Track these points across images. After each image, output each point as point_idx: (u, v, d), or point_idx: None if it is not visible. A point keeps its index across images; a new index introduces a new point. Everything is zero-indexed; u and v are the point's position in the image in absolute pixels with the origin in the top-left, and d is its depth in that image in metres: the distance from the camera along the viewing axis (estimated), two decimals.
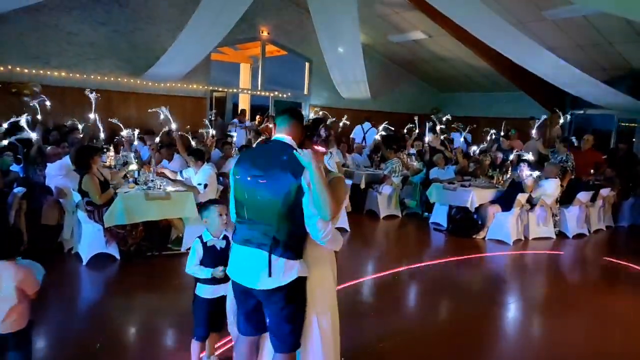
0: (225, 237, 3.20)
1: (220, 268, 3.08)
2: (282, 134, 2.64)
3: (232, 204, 2.74)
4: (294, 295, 2.58)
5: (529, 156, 8.65)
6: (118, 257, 5.52)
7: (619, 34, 9.26)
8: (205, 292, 3.17)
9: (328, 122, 10.70)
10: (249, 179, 2.57)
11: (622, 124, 12.22)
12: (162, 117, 8.60)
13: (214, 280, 3.12)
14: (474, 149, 9.99)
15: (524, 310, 4.98)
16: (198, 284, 3.20)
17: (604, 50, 10.04)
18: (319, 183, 2.41)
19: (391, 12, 11.19)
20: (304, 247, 2.64)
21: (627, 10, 6.55)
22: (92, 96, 6.83)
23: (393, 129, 10.85)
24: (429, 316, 4.67)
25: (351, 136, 11.92)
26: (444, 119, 11.91)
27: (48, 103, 7.41)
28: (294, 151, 2.51)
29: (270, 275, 2.50)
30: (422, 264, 6.62)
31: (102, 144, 8.30)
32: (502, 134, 10.92)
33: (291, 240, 2.54)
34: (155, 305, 4.59)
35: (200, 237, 3.19)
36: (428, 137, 9.73)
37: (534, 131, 8.97)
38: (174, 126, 7.67)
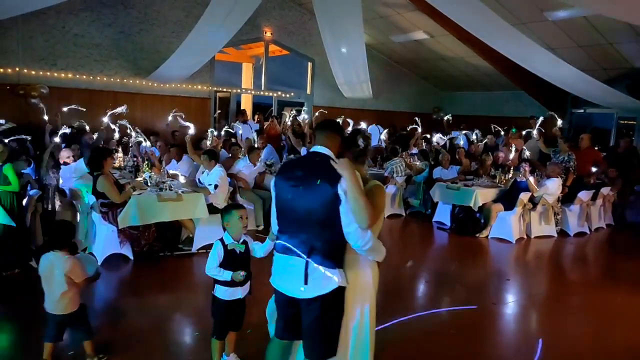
0: (245, 242, 3.31)
1: (242, 272, 3.20)
2: (320, 145, 2.70)
3: (273, 214, 2.81)
4: (332, 305, 2.60)
5: (528, 153, 8.80)
6: (131, 257, 5.65)
7: (619, 34, 9.37)
8: (224, 294, 3.27)
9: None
10: (288, 188, 2.63)
11: (622, 122, 12.33)
12: (170, 119, 8.80)
13: (232, 283, 3.22)
14: (474, 138, 10.19)
15: (527, 307, 5.12)
16: (217, 285, 3.29)
17: (604, 50, 10.15)
18: (355, 190, 2.45)
19: (393, 12, 11.29)
20: (344, 256, 2.66)
21: (618, 12, 6.68)
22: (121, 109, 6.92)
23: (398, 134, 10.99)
24: (432, 307, 4.81)
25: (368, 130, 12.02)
26: (445, 118, 12.06)
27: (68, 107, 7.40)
28: (331, 160, 2.58)
29: (307, 283, 2.55)
30: (427, 262, 6.79)
31: (114, 147, 8.44)
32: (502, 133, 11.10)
33: (330, 248, 2.57)
34: (168, 304, 4.71)
35: (221, 239, 3.27)
36: (435, 138, 9.85)
37: (534, 131, 9.09)
38: (191, 131, 7.75)
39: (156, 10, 10.58)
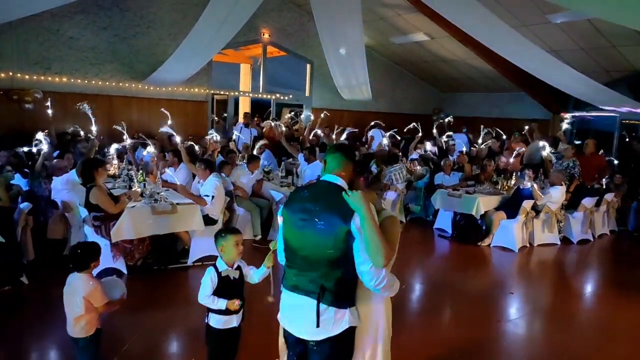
0: (239, 267, 3.15)
1: (237, 302, 3.05)
2: (332, 174, 2.50)
3: (280, 245, 2.65)
4: (342, 345, 2.47)
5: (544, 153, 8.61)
6: (125, 271, 5.50)
7: (622, 37, 9.21)
8: (218, 322, 3.10)
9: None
10: (297, 221, 2.46)
11: (625, 121, 12.16)
12: (164, 128, 8.66)
13: (226, 311, 3.07)
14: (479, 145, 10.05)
15: (533, 325, 4.98)
16: (210, 314, 3.12)
17: (607, 52, 10.00)
18: (370, 228, 2.27)
19: (393, 14, 11.13)
20: (356, 292, 2.49)
21: (616, 16, 6.53)
22: (86, 108, 6.69)
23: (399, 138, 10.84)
24: (433, 326, 4.67)
25: (370, 134, 11.86)
26: (446, 120, 11.88)
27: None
28: (343, 193, 2.38)
29: (318, 325, 2.39)
30: (427, 273, 6.64)
31: (108, 155, 8.27)
32: (504, 136, 10.94)
33: (341, 288, 2.40)
34: (163, 320, 4.57)
35: (214, 266, 3.12)
36: (428, 146, 9.66)
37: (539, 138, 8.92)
38: (177, 139, 7.64)
39: (152, 12, 10.41)
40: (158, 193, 5.96)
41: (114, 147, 7.49)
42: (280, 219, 2.64)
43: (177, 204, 5.76)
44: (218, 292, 3.06)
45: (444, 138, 10.88)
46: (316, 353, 2.46)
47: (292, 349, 2.61)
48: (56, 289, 5.00)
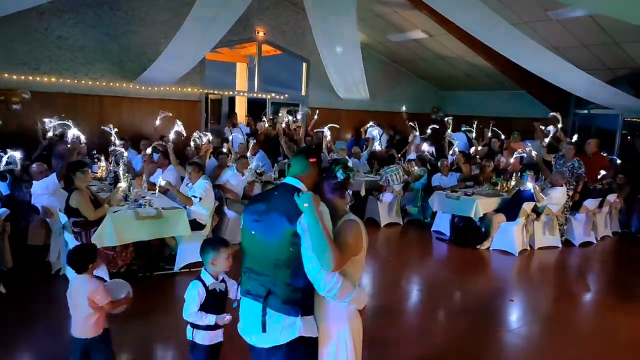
0: (223, 280, 3.01)
1: (228, 317, 2.90)
2: (293, 177, 2.43)
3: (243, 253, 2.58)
4: (296, 357, 2.31)
5: (534, 154, 8.38)
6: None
7: (626, 33, 8.97)
8: (204, 338, 2.92)
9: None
10: (250, 223, 2.42)
11: (628, 119, 11.90)
12: (158, 122, 8.40)
13: (215, 326, 2.91)
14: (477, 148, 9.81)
15: (534, 334, 4.75)
16: (195, 330, 2.93)
17: (610, 49, 9.75)
18: (315, 228, 2.16)
19: (390, 11, 10.87)
20: (313, 303, 2.34)
21: (619, 12, 6.31)
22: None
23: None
24: (429, 334, 4.44)
25: (368, 135, 11.63)
26: (445, 119, 11.63)
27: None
28: (295, 194, 2.28)
29: (265, 331, 2.29)
30: (424, 277, 6.42)
31: (95, 156, 8.06)
32: (503, 137, 10.68)
33: (290, 293, 2.27)
34: (148, 330, 4.38)
35: (199, 279, 2.94)
36: (424, 146, 9.40)
37: (546, 139, 8.67)
38: (172, 135, 7.42)
39: (143, 10, 10.15)
40: (143, 197, 5.73)
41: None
42: None
43: (163, 208, 5.53)
44: (205, 307, 2.89)
45: (449, 133, 10.58)
46: None
47: (255, 358, 2.49)
48: (36, 299, 4.83)
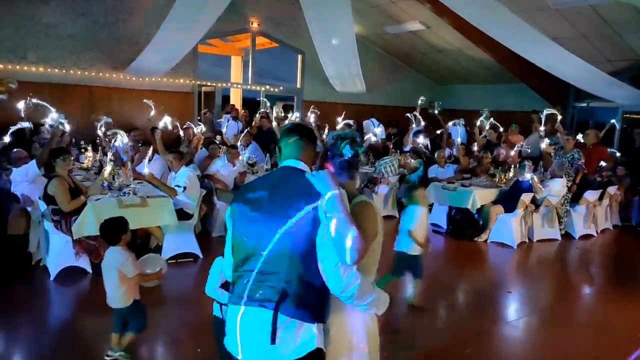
0: None
1: None
2: (290, 158, 2.07)
3: (227, 254, 2.16)
4: None
5: (528, 150, 8.21)
6: (90, 270, 5.06)
7: (628, 24, 8.78)
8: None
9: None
10: (249, 213, 1.99)
11: (627, 115, 11.73)
12: (152, 113, 8.21)
13: None
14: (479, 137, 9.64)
15: (532, 327, 4.55)
16: (216, 303, 2.85)
17: (611, 40, 9.56)
18: (338, 211, 1.80)
19: (387, 1, 10.67)
20: (326, 307, 1.97)
21: None
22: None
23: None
24: (425, 328, 4.25)
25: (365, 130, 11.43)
26: (436, 111, 11.43)
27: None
28: (307, 174, 1.97)
29: (274, 342, 1.85)
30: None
31: (82, 146, 7.85)
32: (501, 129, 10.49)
33: (308, 294, 1.88)
34: None
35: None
36: (420, 139, 9.20)
37: (541, 127, 8.49)
38: (161, 124, 7.22)
39: None
40: (127, 185, 5.52)
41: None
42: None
43: (148, 197, 5.32)
44: (226, 285, 2.71)
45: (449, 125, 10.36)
46: None
47: None
48: (17, 291, 4.61)
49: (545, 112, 8.85)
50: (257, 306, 1.91)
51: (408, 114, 10.29)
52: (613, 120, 9.08)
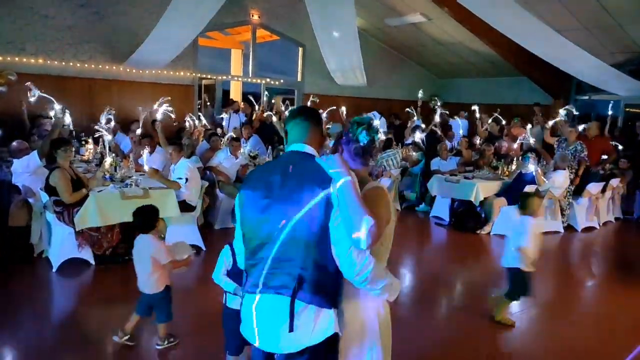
0: None
1: None
2: (298, 142, 2.04)
3: (238, 242, 2.14)
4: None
5: (532, 142, 8.16)
6: (92, 262, 5.03)
7: (629, 15, 8.73)
8: (234, 303, 2.81)
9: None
10: (260, 200, 1.95)
11: (629, 110, 11.70)
12: (155, 107, 8.13)
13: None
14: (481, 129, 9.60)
15: (536, 319, 4.54)
16: (227, 294, 2.87)
17: (613, 32, 9.51)
18: (349, 195, 1.79)
19: None
20: (340, 292, 1.97)
21: None
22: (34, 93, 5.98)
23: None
24: (428, 319, 4.23)
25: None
26: (438, 104, 11.37)
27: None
28: (317, 158, 1.94)
29: (292, 329, 1.85)
30: (422, 263, 6.21)
31: (82, 139, 7.80)
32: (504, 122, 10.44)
33: (324, 279, 1.87)
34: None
35: (230, 243, 2.81)
36: (416, 136, 9.15)
37: (542, 121, 8.43)
38: (159, 116, 7.17)
39: None
40: (129, 177, 5.48)
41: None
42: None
43: (150, 188, 5.28)
44: (232, 274, 2.82)
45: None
46: None
47: None
48: (19, 283, 4.57)
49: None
50: (273, 293, 1.90)
51: (408, 109, 10.24)
52: (611, 112, 9.03)
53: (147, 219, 3.44)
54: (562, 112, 8.62)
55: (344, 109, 9.48)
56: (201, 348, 3.59)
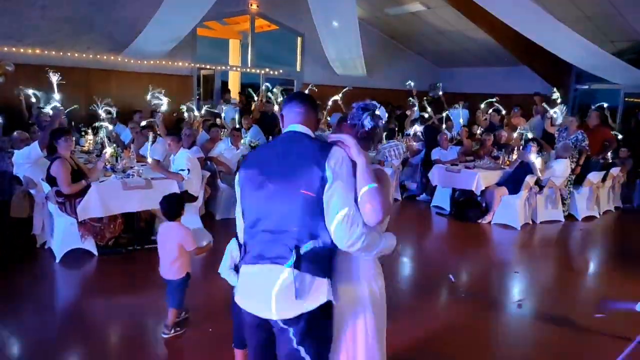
0: None
1: None
2: (294, 123, 2.10)
3: (239, 218, 2.20)
4: (317, 328, 1.98)
5: (530, 136, 8.18)
6: (95, 253, 5.02)
7: (630, 4, 8.70)
8: None
9: None
10: (257, 177, 2.04)
11: (629, 100, 11.69)
12: (157, 100, 8.09)
13: None
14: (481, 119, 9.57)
15: (542, 308, 4.56)
16: (234, 288, 2.80)
17: (614, 21, 9.48)
18: (363, 170, 1.92)
19: None
20: (332, 263, 2.04)
21: None
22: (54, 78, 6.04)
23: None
24: (430, 309, 4.25)
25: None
26: (440, 93, 11.33)
27: None
28: (320, 134, 2.04)
29: (286, 297, 1.93)
30: (423, 252, 6.23)
31: (82, 129, 7.77)
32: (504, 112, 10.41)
33: (319, 250, 1.95)
34: (139, 306, 4.15)
35: (237, 236, 2.69)
36: (413, 129, 9.12)
37: (544, 109, 8.41)
38: (164, 107, 7.14)
39: None
40: (131, 167, 5.46)
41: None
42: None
43: (152, 178, 5.27)
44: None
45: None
46: (281, 341, 1.99)
47: (254, 338, 2.13)
48: (21, 274, 4.56)
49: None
50: (268, 263, 1.98)
51: (410, 98, 10.21)
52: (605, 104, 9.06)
53: (173, 206, 3.54)
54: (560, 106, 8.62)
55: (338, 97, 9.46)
56: (207, 336, 3.60)
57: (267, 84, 11.00)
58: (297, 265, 1.92)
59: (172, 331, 3.51)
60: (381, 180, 2.00)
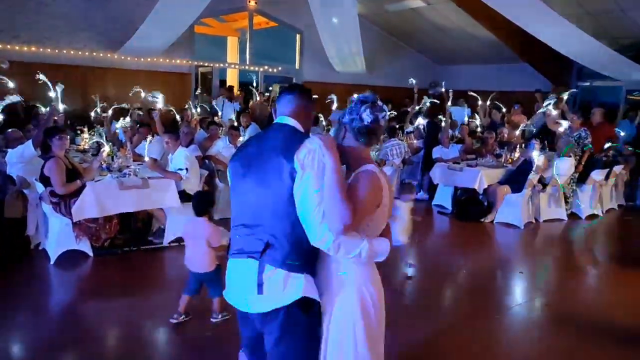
0: None
1: None
2: (282, 115, 2.08)
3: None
4: (296, 324, 1.95)
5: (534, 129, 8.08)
6: (90, 254, 4.91)
7: (633, 0, 8.60)
8: None
9: None
10: (239, 169, 2.07)
11: (631, 97, 11.59)
12: (153, 98, 7.97)
13: None
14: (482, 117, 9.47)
15: (549, 310, 4.47)
16: None
17: (615, 17, 9.39)
18: (331, 175, 1.82)
19: None
20: (315, 261, 2.01)
21: None
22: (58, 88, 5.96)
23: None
24: (431, 310, 4.15)
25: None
26: (440, 91, 11.21)
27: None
28: (299, 128, 2.04)
29: (261, 292, 1.92)
30: (425, 252, 6.13)
31: (78, 128, 7.66)
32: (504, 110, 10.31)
33: (292, 245, 1.91)
34: (135, 307, 4.05)
35: None
36: (417, 122, 9.00)
37: (546, 105, 8.30)
38: (160, 105, 7.02)
39: None
40: (127, 167, 5.35)
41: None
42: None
43: (149, 178, 5.16)
44: None
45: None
46: (266, 334, 2.01)
47: (245, 333, 2.17)
48: (15, 276, 4.45)
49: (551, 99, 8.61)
50: (245, 257, 1.99)
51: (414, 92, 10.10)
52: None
53: (203, 203, 3.73)
54: (565, 95, 8.54)
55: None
56: (205, 337, 3.50)
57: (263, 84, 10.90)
58: (269, 260, 1.91)
59: (220, 316, 3.67)
60: (364, 182, 1.93)
